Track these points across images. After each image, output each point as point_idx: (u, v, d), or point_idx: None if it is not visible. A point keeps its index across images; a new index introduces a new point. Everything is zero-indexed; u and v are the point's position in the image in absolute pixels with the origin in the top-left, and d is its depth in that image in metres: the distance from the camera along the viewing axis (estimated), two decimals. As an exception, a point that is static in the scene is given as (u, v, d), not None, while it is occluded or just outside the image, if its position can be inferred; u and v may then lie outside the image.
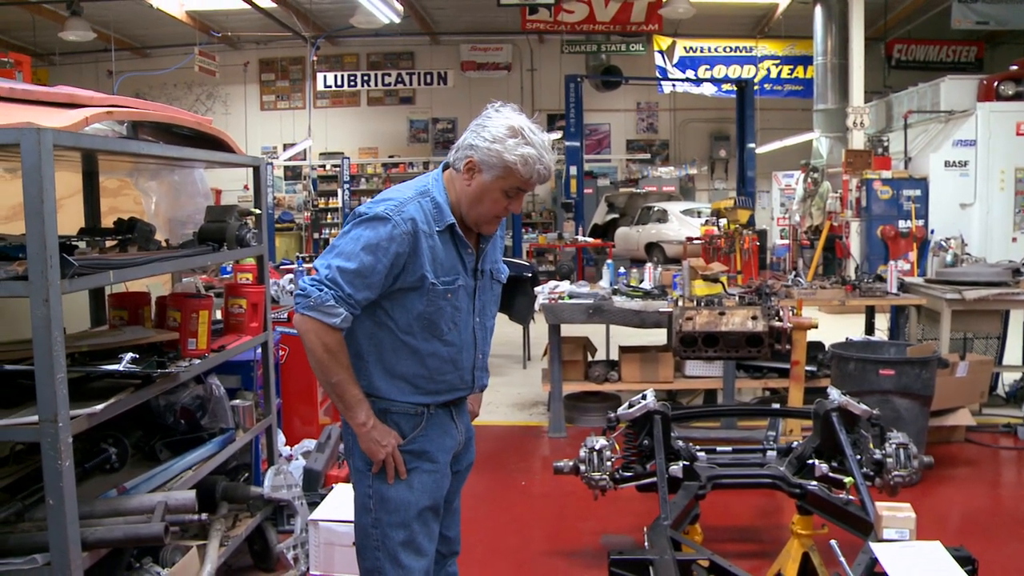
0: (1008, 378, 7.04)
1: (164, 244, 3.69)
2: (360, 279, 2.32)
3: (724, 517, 4.44)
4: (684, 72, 18.83)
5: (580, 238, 14.55)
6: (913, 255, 11.67)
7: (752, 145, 16.04)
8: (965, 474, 5.31)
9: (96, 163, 3.80)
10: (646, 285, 6.46)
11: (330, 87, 20.70)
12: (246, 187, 19.02)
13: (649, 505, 4.57)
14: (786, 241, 17.10)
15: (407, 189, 2.44)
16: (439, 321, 2.46)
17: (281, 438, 4.51)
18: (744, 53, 19.02)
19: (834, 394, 3.84)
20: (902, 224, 11.92)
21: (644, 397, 3.90)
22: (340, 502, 4.13)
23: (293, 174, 22.27)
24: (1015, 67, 13.39)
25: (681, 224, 16.83)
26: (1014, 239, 12.47)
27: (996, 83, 12.70)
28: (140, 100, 3.25)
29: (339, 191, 19.38)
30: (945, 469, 5.16)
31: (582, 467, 3.82)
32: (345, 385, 2.39)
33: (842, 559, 2.70)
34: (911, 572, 2.69)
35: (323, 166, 21.50)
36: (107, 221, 3.93)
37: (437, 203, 2.41)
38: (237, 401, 3.86)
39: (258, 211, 3.97)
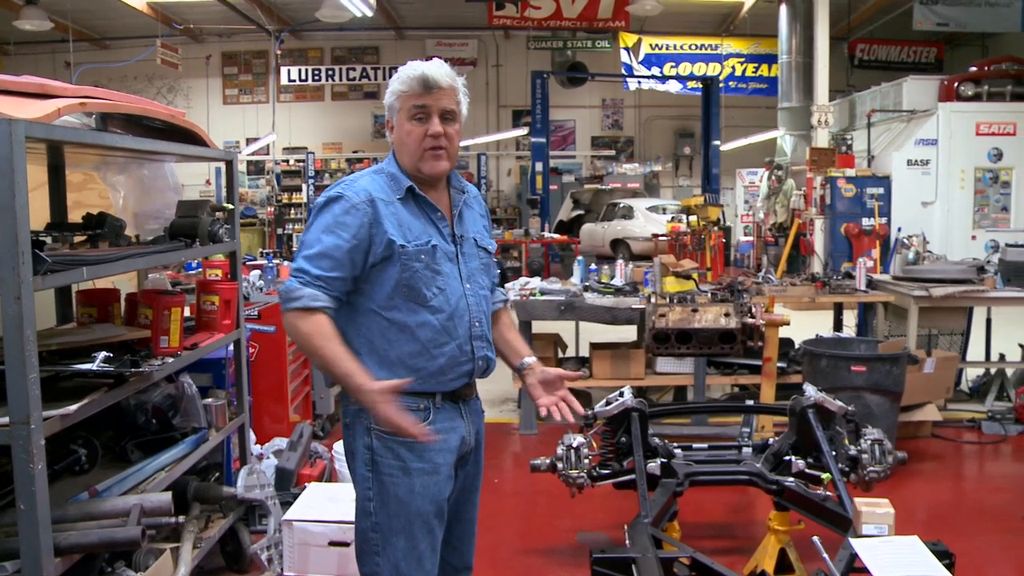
0: (971, 374, 7.15)
1: (134, 240, 3.61)
2: (325, 259, 2.33)
3: (698, 514, 4.45)
4: (650, 69, 18.89)
5: (546, 234, 14.55)
6: (876, 252, 11.81)
7: (717, 142, 16.15)
8: (933, 468, 5.38)
9: (63, 156, 3.70)
10: (617, 282, 6.46)
11: (294, 81, 20.50)
12: (208, 182, 18.80)
13: (623, 502, 4.57)
14: (750, 238, 17.24)
15: (360, 175, 2.49)
16: (419, 286, 2.39)
17: (251, 437, 4.44)
18: (709, 51, 19.14)
19: (810, 391, 3.86)
20: (865, 222, 12.07)
21: (622, 394, 3.89)
22: (313, 501, 4.07)
23: (256, 169, 22.03)
24: (974, 68, 13.62)
25: (647, 221, 16.90)
26: (973, 237, 12.69)
27: (956, 84, 12.90)
28: (112, 91, 3.17)
29: (304, 186, 19.21)
30: (913, 464, 5.21)
31: (559, 465, 3.81)
32: (331, 361, 2.30)
33: (825, 555, 2.70)
34: (891, 567, 2.70)
35: (286, 161, 21.29)
36: (71, 216, 3.83)
37: (391, 173, 2.46)
38: (209, 400, 3.79)
39: (231, 206, 3.90)
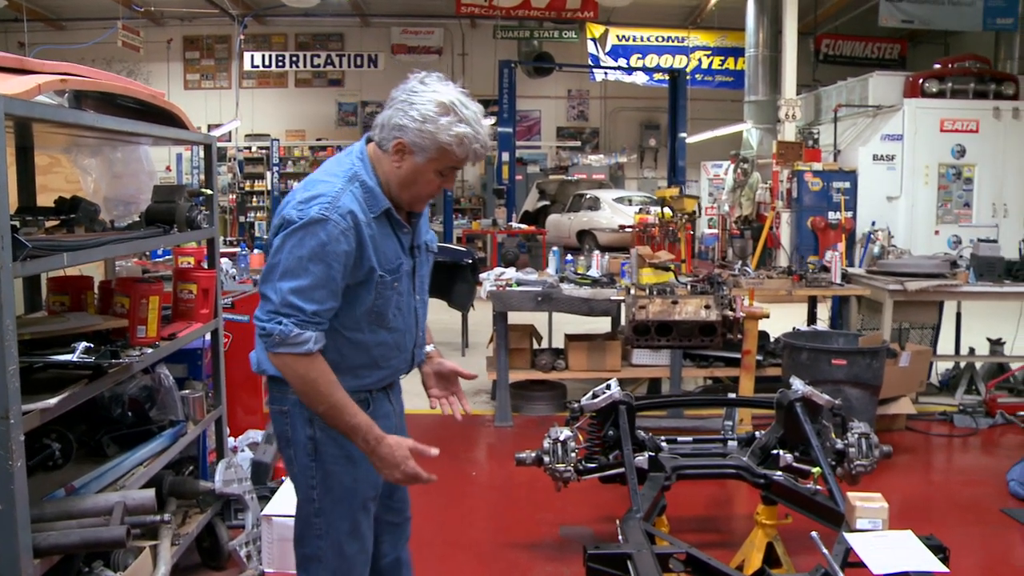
0: (941, 367, 7.23)
1: (109, 225, 3.47)
2: (318, 291, 2.14)
3: (680, 508, 4.41)
4: (616, 60, 18.88)
5: (513, 225, 14.47)
6: (842, 246, 11.92)
7: (684, 134, 16.18)
8: (908, 462, 5.41)
9: (32, 136, 3.55)
10: (594, 273, 6.41)
11: (257, 67, 20.18)
12: (168, 168, 18.44)
13: (604, 495, 4.53)
14: (715, 231, 17.31)
15: (334, 177, 2.22)
16: (386, 312, 2.33)
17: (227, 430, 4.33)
18: (676, 43, 19.18)
19: (797, 384, 3.84)
20: (832, 215, 12.17)
21: (608, 387, 3.84)
22: (291, 495, 3.98)
23: (218, 156, 21.64)
24: (939, 66, 13.78)
25: (614, 212, 16.89)
26: (936, 231, 12.85)
27: (921, 80, 13.04)
28: (89, 68, 3.04)
29: (267, 174, 18.93)
30: (887, 458, 5.24)
31: (545, 458, 3.75)
32: (335, 412, 2.19)
33: (824, 550, 2.68)
34: (887, 561, 2.69)
35: (249, 148, 20.97)
36: (39, 201, 3.68)
37: (368, 187, 2.22)
38: (186, 391, 3.67)
39: (209, 191, 3.78)
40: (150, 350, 3.17)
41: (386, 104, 2.23)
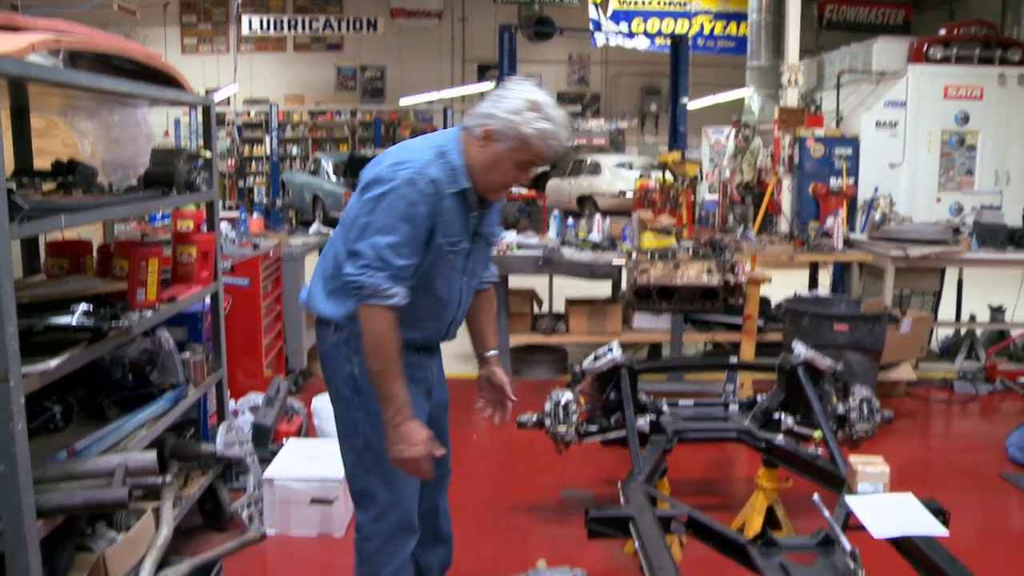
0: (942, 334, 7.22)
1: (107, 188, 3.44)
2: (406, 248, 2.30)
3: (680, 471, 4.42)
4: (618, 25, 18.66)
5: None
6: (843, 212, 11.85)
7: (685, 100, 16.03)
8: (909, 427, 5.42)
9: (27, 97, 3.51)
10: (595, 237, 6.38)
11: (255, 31, 19.98)
12: (166, 133, 18.33)
13: (604, 458, 4.55)
14: (715, 197, 17.22)
15: (425, 148, 2.39)
16: (435, 278, 2.47)
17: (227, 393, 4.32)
18: (678, 8, 18.94)
19: (799, 348, 3.83)
20: (833, 182, 12.08)
21: (610, 349, 3.83)
22: (293, 458, 4.00)
23: (217, 120, 21.48)
24: (944, 31, 13.62)
25: (614, 177, 16.81)
26: (938, 199, 12.77)
27: (926, 46, 12.88)
28: (85, 27, 2.99)
29: (267, 139, 18.80)
30: (888, 423, 5.25)
31: (547, 421, 3.76)
32: (387, 375, 2.33)
33: (827, 514, 2.68)
34: (887, 523, 2.69)
35: (247, 112, 20.82)
36: (35, 165, 3.65)
37: (453, 167, 2.38)
38: (187, 354, 3.66)
39: (208, 154, 3.75)
40: (150, 313, 3.16)
41: (483, 98, 2.43)
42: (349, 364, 2.46)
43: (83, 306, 2.63)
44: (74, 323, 2.58)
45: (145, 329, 3.22)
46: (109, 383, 3.36)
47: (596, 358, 3.84)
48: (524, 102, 2.34)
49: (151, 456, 2.65)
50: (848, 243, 6.53)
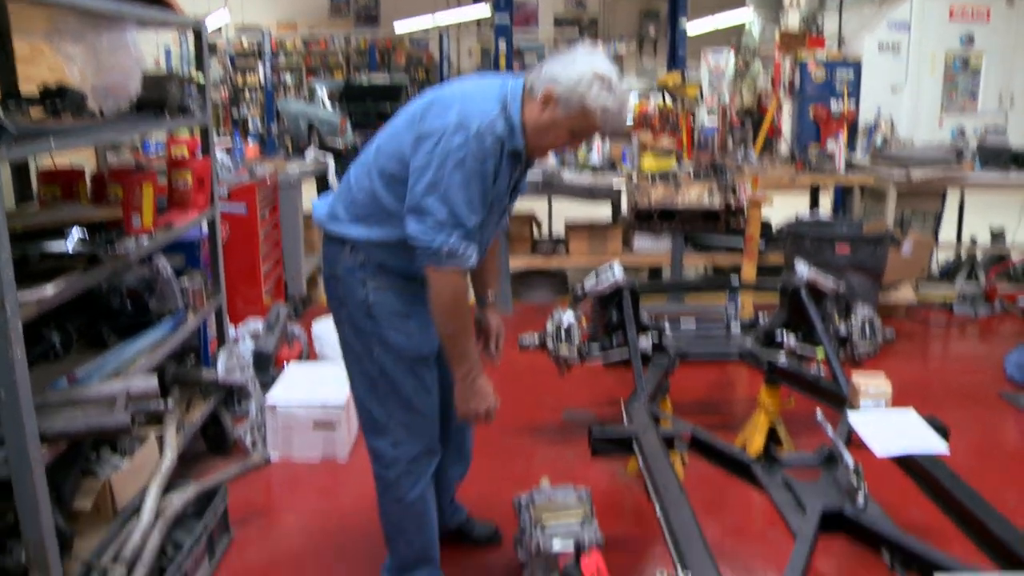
0: (942, 256, 7.19)
1: (98, 114, 3.37)
2: (477, 205, 2.24)
3: (684, 392, 4.44)
4: (616, -55, 18.22)
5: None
6: (844, 136, 11.73)
7: (684, 19, 15.70)
8: (909, 349, 5.44)
9: (7, 18, 3.41)
10: (594, 159, 6.30)
11: (244, -45, 19.48)
12: (157, 62, 17.99)
13: (608, 380, 4.56)
14: (714, 123, 17.01)
15: (490, 100, 2.29)
16: (480, 233, 2.41)
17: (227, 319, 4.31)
18: (677, -74, 18.46)
19: (802, 268, 3.81)
20: (834, 105, 11.92)
21: (612, 269, 3.80)
22: (294, 382, 4.00)
23: (208, 49, 21.09)
24: (949, -54, 13.30)
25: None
26: (940, 123, 12.62)
27: (931, -38, 12.60)
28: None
29: (260, 67, 18.49)
30: (891, 343, 5.25)
31: (549, 342, 3.75)
32: (459, 338, 2.33)
33: (830, 430, 2.69)
34: (888, 439, 2.70)
35: (240, 41, 20.43)
36: (22, 91, 3.56)
37: (512, 125, 2.29)
38: (185, 281, 3.64)
39: (201, 78, 3.67)
40: (146, 239, 3.12)
41: (548, 56, 2.38)
42: (364, 289, 2.40)
43: (77, 232, 2.59)
44: (69, 250, 2.54)
45: (142, 256, 3.18)
46: (108, 311, 3.34)
47: (597, 275, 3.81)
48: (592, 72, 2.25)
49: (152, 381, 2.63)
50: (849, 165, 6.46)
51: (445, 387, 2.54)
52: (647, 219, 5.06)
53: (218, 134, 8.39)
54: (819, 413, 2.77)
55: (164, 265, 3.50)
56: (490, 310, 2.81)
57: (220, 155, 5.41)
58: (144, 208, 3.20)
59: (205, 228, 3.96)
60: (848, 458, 2.51)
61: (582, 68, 2.25)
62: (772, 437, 3.62)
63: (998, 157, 6.23)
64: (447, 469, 2.87)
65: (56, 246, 2.61)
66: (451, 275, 2.25)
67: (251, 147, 6.54)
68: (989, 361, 5.13)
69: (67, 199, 3.32)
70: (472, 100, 2.29)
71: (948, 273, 6.95)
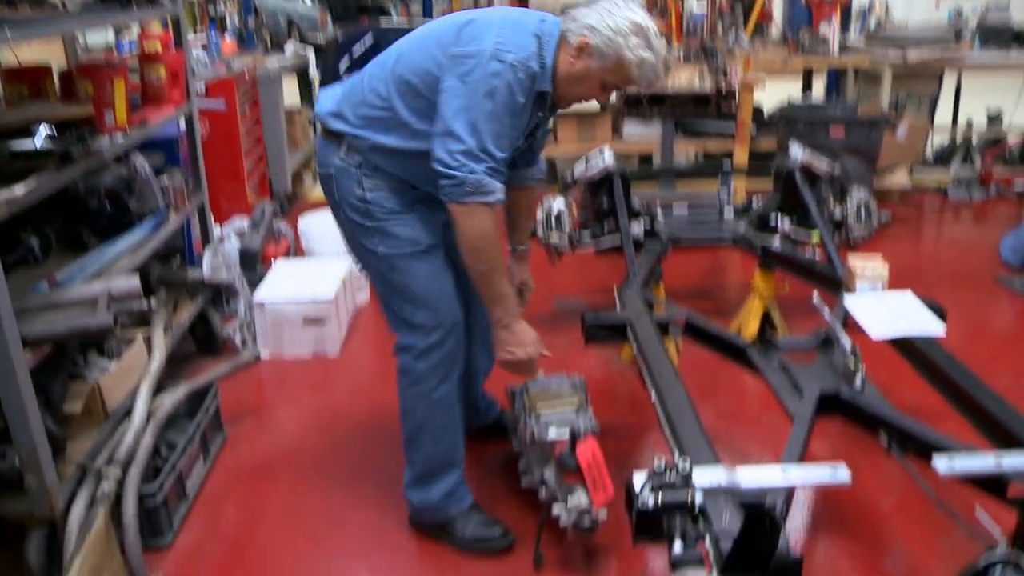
0: (937, 141, 7.08)
1: (61, 6, 3.20)
2: (505, 138, 2.13)
3: (677, 279, 4.40)
4: None
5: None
6: (836, 19, 11.44)
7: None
8: (903, 233, 5.39)
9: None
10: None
11: None
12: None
13: (599, 267, 4.52)
14: (703, 7, 16.56)
15: (528, 36, 2.17)
16: None
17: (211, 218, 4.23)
18: None
19: (796, 151, 3.73)
20: (827, -15, 11.58)
21: (602, 154, 3.71)
22: (282, 279, 3.96)
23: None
24: None
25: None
26: (937, 5, 12.29)
27: None
28: None
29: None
30: (886, 227, 5.21)
31: (539, 230, 3.70)
32: (493, 277, 2.23)
33: (826, 312, 2.66)
34: (886, 325, 2.68)
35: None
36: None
37: (544, 65, 2.18)
38: (165, 180, 3.54)
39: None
40: (120, 136, 3.01)
41: (587, 3, 2.25)
42: (360, 188, 2.31)
43: (44, 128, 2.48)
44: (37, 146, 2.44)
45: (117, 153, 3.07)
46: (86, 213, 3.25)
47: (587, 161, 3.73)
48: (630, 24, 2.16)
49: (134, 280, 2.57)
50: (843, 48, 6.29)
51: (460, 274, 2.41)
52: (636, 104, 4.95)
53: (194, 31, 8.08)
54: (815, 296, 2.73)
55: (142, 163, 3.39)
56: (520, 260, 2.72)
57: (196, 51, 5.22)
58: (116, 104, 3.08)
59: (183, 125, 3.84)
60: (845, 340, 2.49)
61: (620, 19, 2.17)
62: (766, 322, 3.61)
63: (999, 35, 6.06)
64: (473, 360, 2.79)
65: (23, 144, 2.51)
66: (477, 210, 2.13)
67: (228, 42, 6.31)
68: (984, 245, 5.10)
69: (34, 98, 3.19)
70: (512, 30, 2.17)
71: (943, 157, 6.85)
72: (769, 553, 1.46)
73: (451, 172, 2.09)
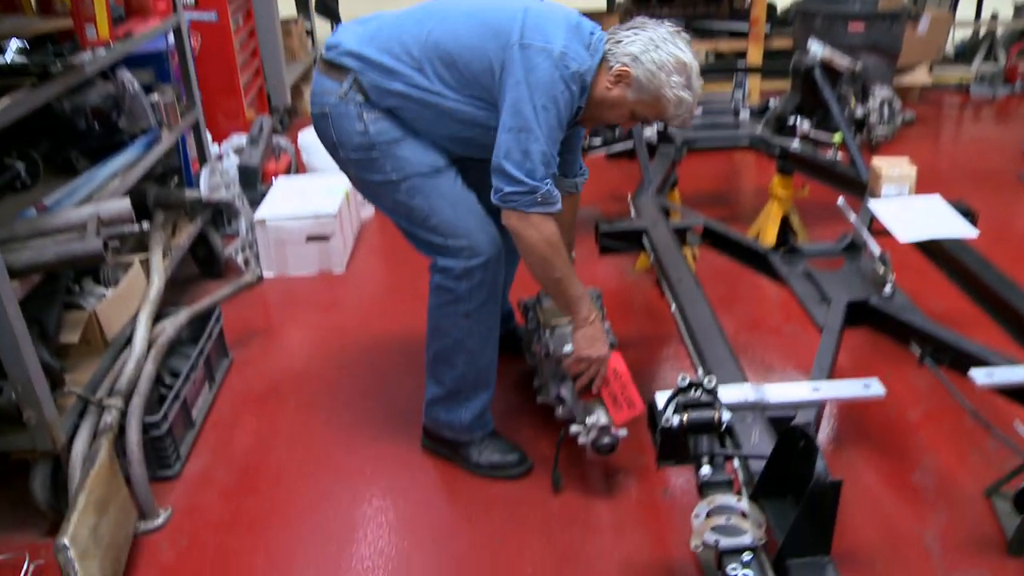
0: (958, 36, 6.80)
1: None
2: (556, 144, 2.08)
3: (692, 184, 4.25)
4: None
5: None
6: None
7: None
8: (924, 132, 5.19)
9: None
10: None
11: None
12: None
13: (611, 174, 4.37)
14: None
15: (584, 50, 2.08)
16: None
17: (207, 135, 4.08)
18: None
19: (815, 47, 3.54)
20: None
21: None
22: (284, 196, 3.85)
23: None
24: None
25: None
26: None
27: None
28: None
29: None
30: (905, 127, 5.01)
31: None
32: (568, 281, 2.16)
33: (853, 217, 2.53)
34: (914, 228, 2.55)
35: None
36: None
37: (585, 85, 2.10)
38: (155, 96, 3.38)
39: None
40: (103, 51, 2.84)
41: (633, 26, 2.15)
42: (361, 122, 2.18)
43: (16, 42, 2.32)
44: (7, 60, 2.28)
45: (100, 68, 2.91)
46: (74, 134, 3.11)
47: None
48: (675, 61, 2.05)
49: (124, 203, 2.45)
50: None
51: (476, 186, 2.29)
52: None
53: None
54: (841, 199, 2.60)
55: (130, 79, 3.24)
56: None
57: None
58: (98, 17, 2.89)
59: (172, 39, 3.66)
60: (873, 245, 2.37)
61: (666, 55, 2.06)
62: (786, 228, 3.48)
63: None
64: (505, 270, 2.67)
65: (-4, 61, 2.36)
66: (540, 220, 2.07)
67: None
68: (1008, 143, 4.92)
69: (7, 12, 3.02)
70: (575, 34, 2.09)
71: (965, 53, 6.59)
72: (804, 475, 1.36)
73: (524, 180, 2.01)
